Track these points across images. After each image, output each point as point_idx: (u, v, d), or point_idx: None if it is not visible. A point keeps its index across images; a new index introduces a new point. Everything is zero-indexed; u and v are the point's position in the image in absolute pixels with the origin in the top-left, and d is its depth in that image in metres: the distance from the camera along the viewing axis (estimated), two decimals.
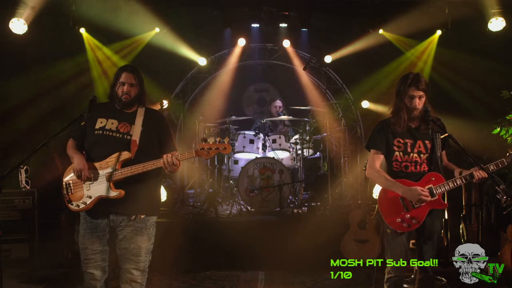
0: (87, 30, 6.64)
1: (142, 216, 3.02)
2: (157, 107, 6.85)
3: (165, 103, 6.90)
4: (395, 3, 6.52)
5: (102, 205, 2.96)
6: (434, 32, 6.89)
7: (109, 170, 2.95)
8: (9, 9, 5.77)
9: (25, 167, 3.04)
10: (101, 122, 3.04)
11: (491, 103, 5.85)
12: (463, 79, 6.55)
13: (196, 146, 2.98)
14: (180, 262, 4.99)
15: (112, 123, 3.04)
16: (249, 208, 6.04)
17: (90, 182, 2.96)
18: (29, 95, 6.11)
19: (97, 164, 2.98)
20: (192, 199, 6.87)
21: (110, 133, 3.02)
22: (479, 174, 2.98)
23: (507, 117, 4.86)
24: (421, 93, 3.05)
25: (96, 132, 3.01)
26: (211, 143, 2.95)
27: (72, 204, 3.00)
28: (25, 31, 5.83)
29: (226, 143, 2.96)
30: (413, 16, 6.36)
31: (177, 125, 7.48)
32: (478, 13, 6.08)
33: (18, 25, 5.78)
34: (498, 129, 4.89)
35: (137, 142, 2.99)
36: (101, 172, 2.96)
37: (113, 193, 2.93)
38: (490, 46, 6.31)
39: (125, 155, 2.95)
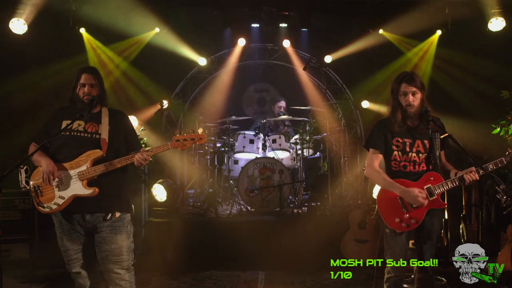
0: (87, 30, 6.63)
1: (118, 214, 3.03)
2: (157, 107, 6.87)
3: (165, 103, 6.90)
4: (395, 3, 6.52)
5: (75, 206, 2.96)
6: (434, 32, 6.88)
7: (81, 169, 2.96)
8: (9, 9, 5.76)
9: (25, 167, 3.04)
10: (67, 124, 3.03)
11: (491, 103, 5.84)
12: (463, 79, 6.54)
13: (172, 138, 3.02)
14: (180, 262, 4.99)
15: (79, 124, 3.04)
16: (249, 208, 6.04)
17: (61, 183, 2.95)
18: (29, 95, 6.11)
19: (67, 165, 2.98)
20: (192, 199, 6.87)
21: (78, 134, 3.03)
22: (469, 177, 2.98)
23: (507, 117, 4.86)
24: (414, 89, 3.04)
25: (63, 133, 2.99)
26: (185, 134, 2.97)
27: (43, 207, 2.98)
28: (25, 31, 5.83)
29: (200, 133, 2.98)
30: (413, 16, 6.36)
31: (177, 125, 7.47)
32: (478, 13, 6.07)
33: (18, 25, 5.78)
34: (498, 129, 4.89)
35: (107, 141, 3.01)
36: (72, 171, 2.96)
37: (88, 191, 2.93)
38: (490, 46, 6.30)
39: (97, 153, 2.97)
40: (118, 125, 3.14)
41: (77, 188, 2.95)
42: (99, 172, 2.95)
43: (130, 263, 3.07)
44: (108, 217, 2.99)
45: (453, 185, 3.03)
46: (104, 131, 3.04)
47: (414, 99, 3.05)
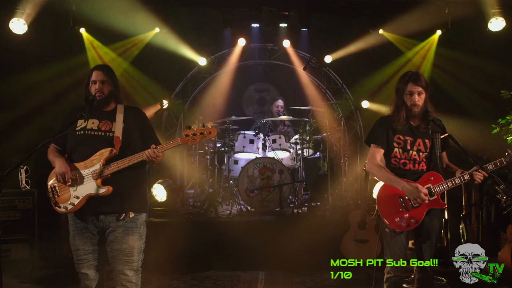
0: (87, 30, 6.64)
1: (132, 215, 3.02)
2: (157, 107, 6.87)
3: (165, 103, 6.91)
4: (395, 3, 6.52)
5: (90, 205, 2.95)
6: (434, 32, 6.89)
7: (94, 168, 2.95)
8: (9, 9, 5.77)
9: (25, 167, 3.05)
10: (82, 123, 3.04)
11: (491, 103, 5.85)
12: (463, 79, 6.54)
13: (181, 134, 2.99)
14: (180, 262, 4.99)
15: (93, 123, 3.04)
16: (249, 208, 6.04)
17: (75, 183, 2.95)
18: (29, 94, 6.12)
19: (81, 164, 2.98)
20: (192, 199, 6.87)
21: (92, 133, 3.02)
22: (480, 177, 2.97)
23: (507, 117, 4.86)
24: (420, 88, 3.05)
25: (77, 133, 3.00)
26: (195, 129, 2.94)
27: (59, 207, 2.99)
28: (25, 31, 5.83)
29: (210, 127, 2.95)
30: (413, 16, 6.36)
31: (177, 125, 7.48)
32: (478, 13, 6.08)
33: (18, 25, 5.78)
34: (498, 129, 4.89)
35: (120, 139, 3.00)
36: (86, 171, 2.96)
37: (101, 190, 2.93)
38: (490, 46, 6.30)
39: (110, 151, 2.96)
40: (133, 122, 3.12)
41: (91, 187, 2.94)
42: (111, 171, 2.94)
43: (139, 264, 3.07)
44: (122, 218, 2.99)
45: (453, 184, 3.03)
46: (118, 129, 3.03)
47: (419, 99, 3.06)
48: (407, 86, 3.06)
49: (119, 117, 3.07)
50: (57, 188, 3.00)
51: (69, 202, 2.96)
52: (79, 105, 3.18)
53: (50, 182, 3.04)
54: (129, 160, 2.94)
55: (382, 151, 3.16)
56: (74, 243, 3.02)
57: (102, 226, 3.01)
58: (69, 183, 2.94)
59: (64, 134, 3.02)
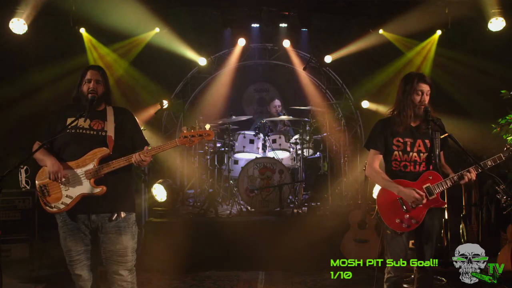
0: (87, 30, 6.64)
1: (123, 215, 3.01)
2: (157, 107, 6.87)
3: (165, 103, 6.91)
4: (395, 3, 6.52)
5: (82, 205, 2.93)
6: (434, 32, 6.89)
7: (88, 167, 2.93)
8: (9, 9, 5.77)
9: (25, 167, 3.04)
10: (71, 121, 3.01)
11: (491, 103, 5.85)
12: (463, 79, 6.54)
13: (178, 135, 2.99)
14: (180, 262, 4.98)
15: (84, 121, 3.02)
16: (249, 208, 6.04)
17: (68, 182, 2.92)
18: (29, 95, 6.11)
19: (73, 163, 2.95)
20: (192, 199, 6.87)
21: (84, 131, 3.00)
22: (468, 175, 2.98)
23: (507, 117, 4.85)
24: (428, 87, 3.08)
25: (68, 131, 2.96)
26: (192, 131, 2.95)
27: (51, 207, 2.96)
28: (25, 31, 5.83)
29: (208, 129, 2.96)
30: (413, 16, 6.36)
31: (177, 125, 7.48)
32: (478, 13, 6.07)
33: (18, 25, 5.78)
34: (498, 129, 4.88)
35: (113, 138, 2.99)
36: (79, 170, 2.93)
37: (96, 190, 2.91)
38: (490, 46, 6.31)
39: (104, 151, 2.95)
40: (123, 123, 3.11)
41: (85, 187, 2.92)
42: (106, 170, 2.92)
43: (133, 263, 3.07)
44: (114, 218, 2.97)
45: (451, 183, 3.03)
46: (110, 128, 3.02)
47: (427, 98, 3.08)
48: (418, 86, 3.06)
49: (110, 117, 3.07)
50: (47, 187, 2.97)
51: (61, 202, 2.94)
52: (68, 104, 3.14)
53: (39, 181, 2.99)
54: (125, 160, 2.94)
55: (381, 156, 3.18)
56: (65, 245, 3.01)
57: (94, 227, 2.99)
58: (62, 182, 2.91)
59: (50, 132, 2.99)
